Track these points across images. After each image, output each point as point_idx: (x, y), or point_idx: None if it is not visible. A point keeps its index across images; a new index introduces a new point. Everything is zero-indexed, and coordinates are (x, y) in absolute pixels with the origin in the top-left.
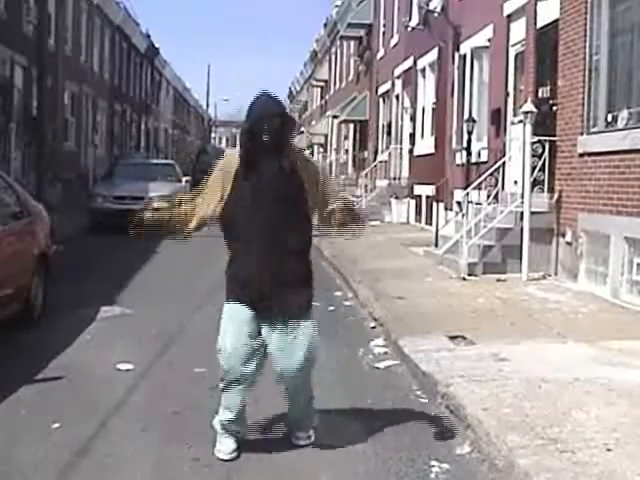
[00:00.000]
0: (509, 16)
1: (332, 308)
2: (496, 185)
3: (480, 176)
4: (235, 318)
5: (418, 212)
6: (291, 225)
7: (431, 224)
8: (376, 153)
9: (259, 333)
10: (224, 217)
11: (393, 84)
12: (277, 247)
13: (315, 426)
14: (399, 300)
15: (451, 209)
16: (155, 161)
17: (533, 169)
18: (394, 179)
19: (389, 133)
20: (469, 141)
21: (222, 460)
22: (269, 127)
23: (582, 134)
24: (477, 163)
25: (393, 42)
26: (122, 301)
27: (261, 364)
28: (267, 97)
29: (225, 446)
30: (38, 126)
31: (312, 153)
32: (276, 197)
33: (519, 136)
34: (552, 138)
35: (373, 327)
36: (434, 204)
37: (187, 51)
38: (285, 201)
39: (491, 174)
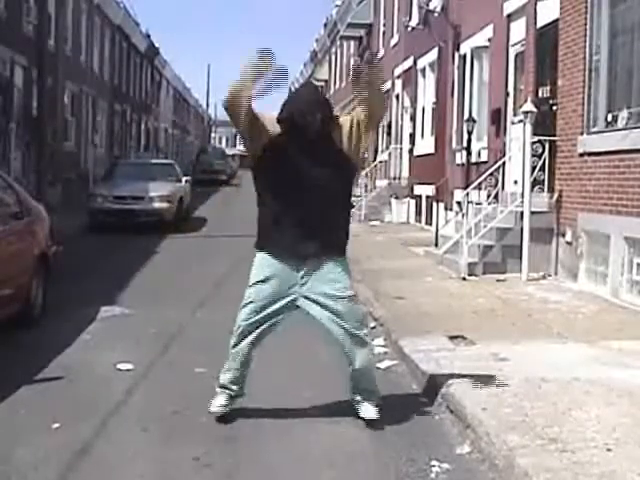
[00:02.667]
0: (509, 16)
1: None
2: (496, 185)
3: (480, 176)
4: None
5: (418, 212)
6: None
7: (431, 224)
8: (376, 153)
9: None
10: None
11: (393, 84)
12: None
13: (378, 405)
14: (399, 300)
15: (451, 209)
16: (155, 161)
17: (533, 169)
18: (394, 179)
19: (389, 133)
20: (469, 141)
21: (210, 412)
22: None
23: (582, 134)
24: (477, 163)
25: (393, 42)
26: (122, 301)
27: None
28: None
29: (216, 401)
30: (38, 126)
31: None
32: None
33: (519, 136)
34: (552, 138)
35: (373, 327)
36: (434, 204)
37: (187, 51)
38: None
39: (491, 174)
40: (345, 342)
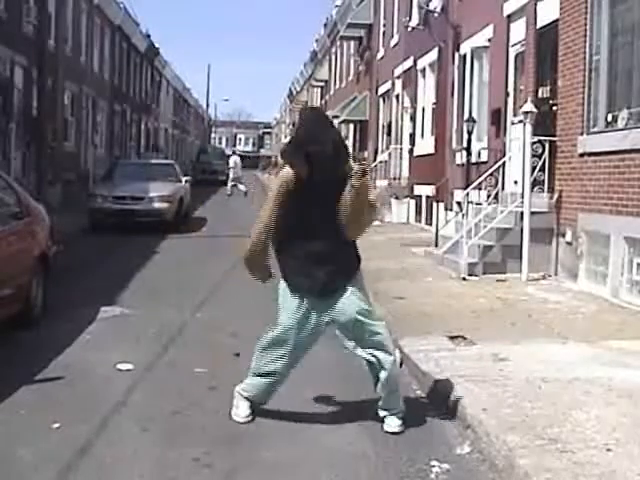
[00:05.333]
0: (509, 16)
1: None
2: (496, 185)
3: (480, 176)
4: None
5: (418, 212)
6: None
7: (431, 224)
8: (376, 153)
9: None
10: None
11: (393, 84)
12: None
13: (403, 417)
14: (399, 300)
15: (451, 209)
16: (155, 161)
17: (533, 169)
18: (394, 179)
19: (389, 133)
20: (469, 141)
21: (238, 422)
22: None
23: (582, 134)
24: (477, 163)
25: (393, 42)
26: (122, 301)
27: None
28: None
29: (241, 410)
30: (38, 126)
31: None
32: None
33: (519, 136)
34: (552, 138)
35: None
36: (434, 204)
37: (187, 51)
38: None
39: (491, 174)
40: (373, 360)
